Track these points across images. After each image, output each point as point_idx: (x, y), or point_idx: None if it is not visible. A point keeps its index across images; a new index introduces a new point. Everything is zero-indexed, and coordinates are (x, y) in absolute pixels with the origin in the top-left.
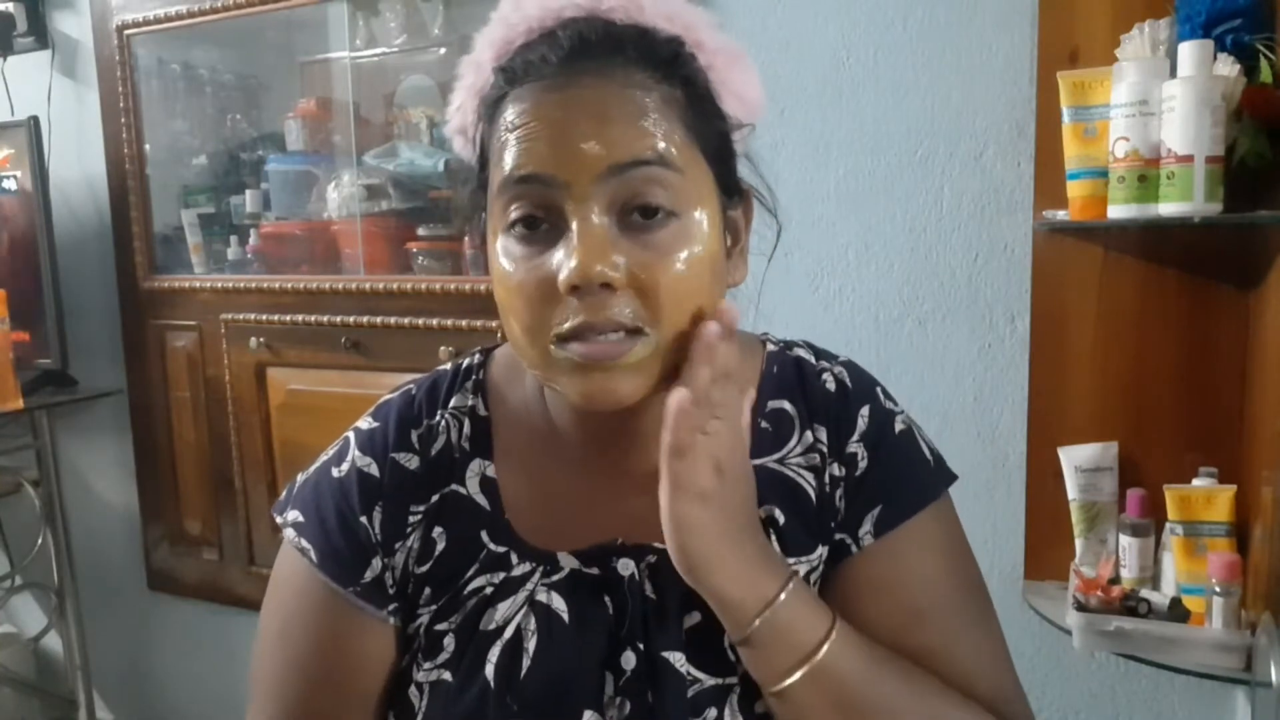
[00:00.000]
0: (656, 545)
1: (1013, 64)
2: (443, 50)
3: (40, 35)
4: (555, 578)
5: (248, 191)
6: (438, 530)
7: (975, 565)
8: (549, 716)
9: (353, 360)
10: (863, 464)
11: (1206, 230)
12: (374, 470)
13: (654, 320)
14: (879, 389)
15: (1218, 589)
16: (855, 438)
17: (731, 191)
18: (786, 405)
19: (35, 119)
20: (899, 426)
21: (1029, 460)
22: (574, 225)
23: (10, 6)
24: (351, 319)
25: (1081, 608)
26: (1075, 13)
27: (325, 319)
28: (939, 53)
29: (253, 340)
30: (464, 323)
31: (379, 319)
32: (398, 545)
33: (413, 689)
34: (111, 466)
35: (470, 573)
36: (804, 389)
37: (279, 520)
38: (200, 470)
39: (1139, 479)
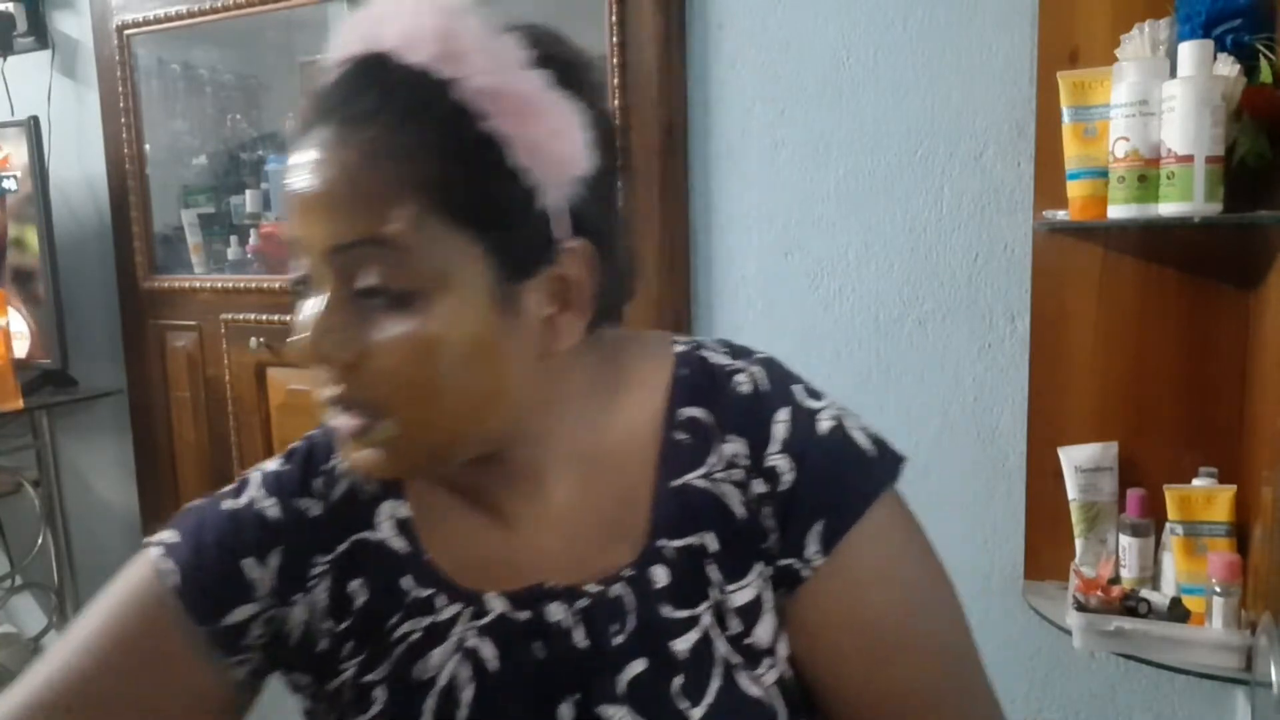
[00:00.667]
0: (589, 588)
1: (1013, 64)
2: None
3: (40, 35)
4: (484, 621)
5: (248, 191)
6: (355, 584)
7: (935, 559)
8: None
9: None
10: (788, 476)
11: (1206, 230)
12: (275, 512)
13: (389, 403)
14: (799, 386)
15: (1218, 589)
16: (776, 449)
17: (536, 258)
18: (699, 413)
19: (35, 119)
20: (825, 425)
21: (1029, 460)
22: (311, 300)
23: (10, 6)
24: None
25: (1081, 608)
26: (1075, 13)
27: None
28: (939, 53)
29: (253, 340)
30: None
31: None
32: (296, 597)
33: None
34: (111, 466)
35: (395, 619)
36: (716, 394)
37: (147, 540)
38: (200, 470)
39: (1139, 479)
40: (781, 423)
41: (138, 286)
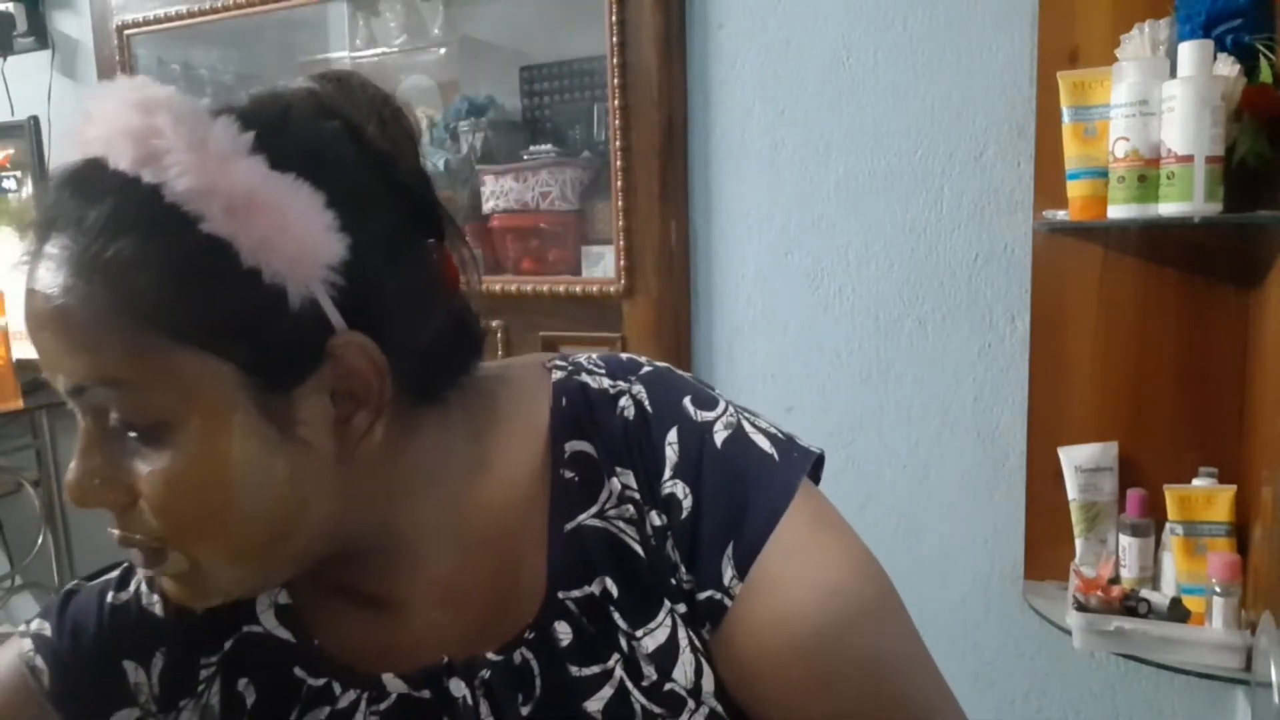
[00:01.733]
0: (490, 656)
1: (1013, 64)
2: (443, 50)
3: (40, 35)
4: (383, 705)
5: None
6: (243, 682)
7: (861, 553)
8: None
9: None
10: (687, 503)
11: (1206, 230)
12: (156, 610)
13: (169, 540)
14: (687, 399)
15: (1218, 589)
16: (668, 475)
17: (296, 364)
18: (586, 446)
19: (35, 119)
20: (720, 436)
21: (1029, 460)
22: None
23: (10, 6)
24: None
25: (1081, 608)
26: (1075, 13)
27: None
28: (939, 53)
29: None
30: None
31: None
32: (184, 703)
33: None
34: None
35: (294, 715)
36: (596, 424)
37: (16, 630)
38: None
39: (1139, 479)
40: (671, 445)
41: None
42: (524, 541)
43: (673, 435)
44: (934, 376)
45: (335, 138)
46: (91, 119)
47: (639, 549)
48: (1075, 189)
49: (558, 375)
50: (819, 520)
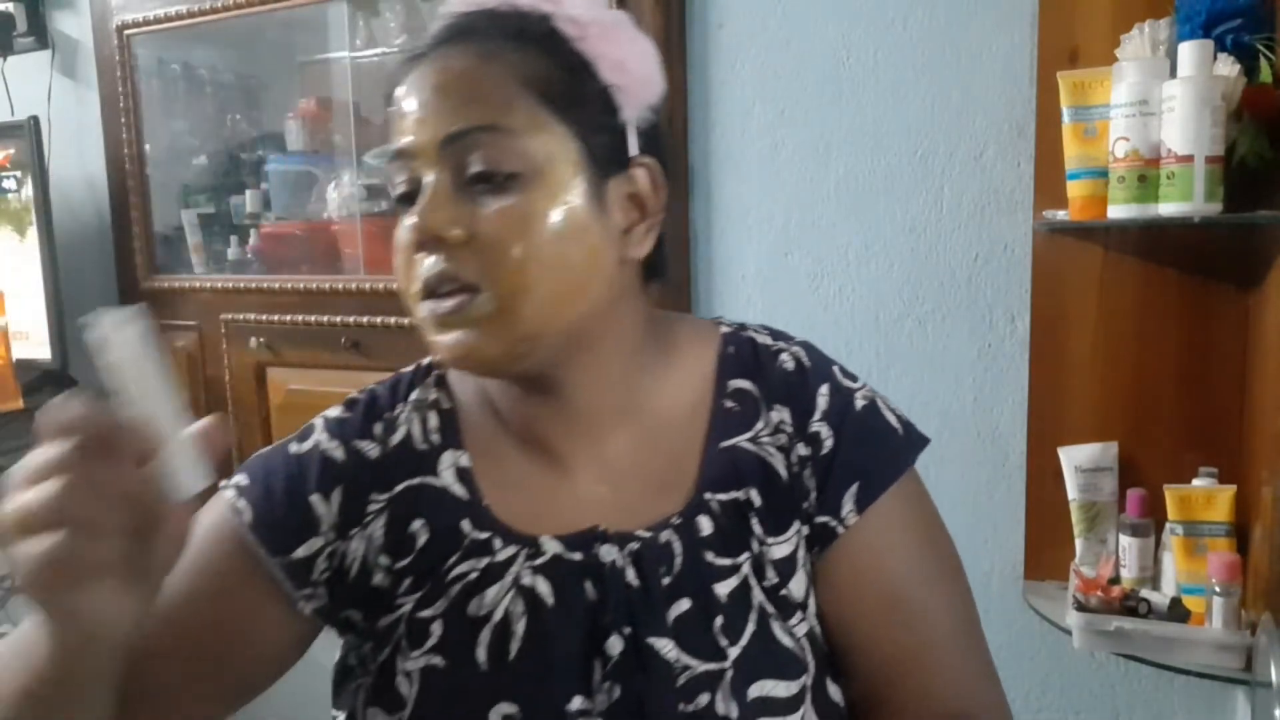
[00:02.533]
0: (639, 533)
1: (1013, 64)
2: None
3: (40, 35)
4: (538, 561)
5: (248, 191)
6: (418, 523)
7: (947, 534)
8: (539, 699)
9: (353, 360)
10: (828, 443)
11: (1206, 230)
12: (339, 454)
13: (490, 276)
14: (836, 368)
15: (1218, 589)
16: (817, 417)
17: (617, 162)
18: (747, 385)
19: (35, 119)
20: (860, 403)
21: (1029, 460)
22: (422, 188)
23: (10, 6)
24: (351, 319)
25: (1081, 608)
26: (1075, 13)
27: (325, 319)
28: (939, 53)
29: (253, 340)
30: None
31: (379, 319)
32: (354, 531)
33: (400, 679)
34: None
35: (453, 560)
36: (761, 369)
37: (220, 484)
38: None
39: (1139, 479)
40: (823, 396)
41: (138, 286)
42: (683, 446)
43: (824, 389)
44: (934, 376)
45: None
46: None
47: (783, 472)
48: (1075, 189)
49: (725, 329)
50: (922, 493)
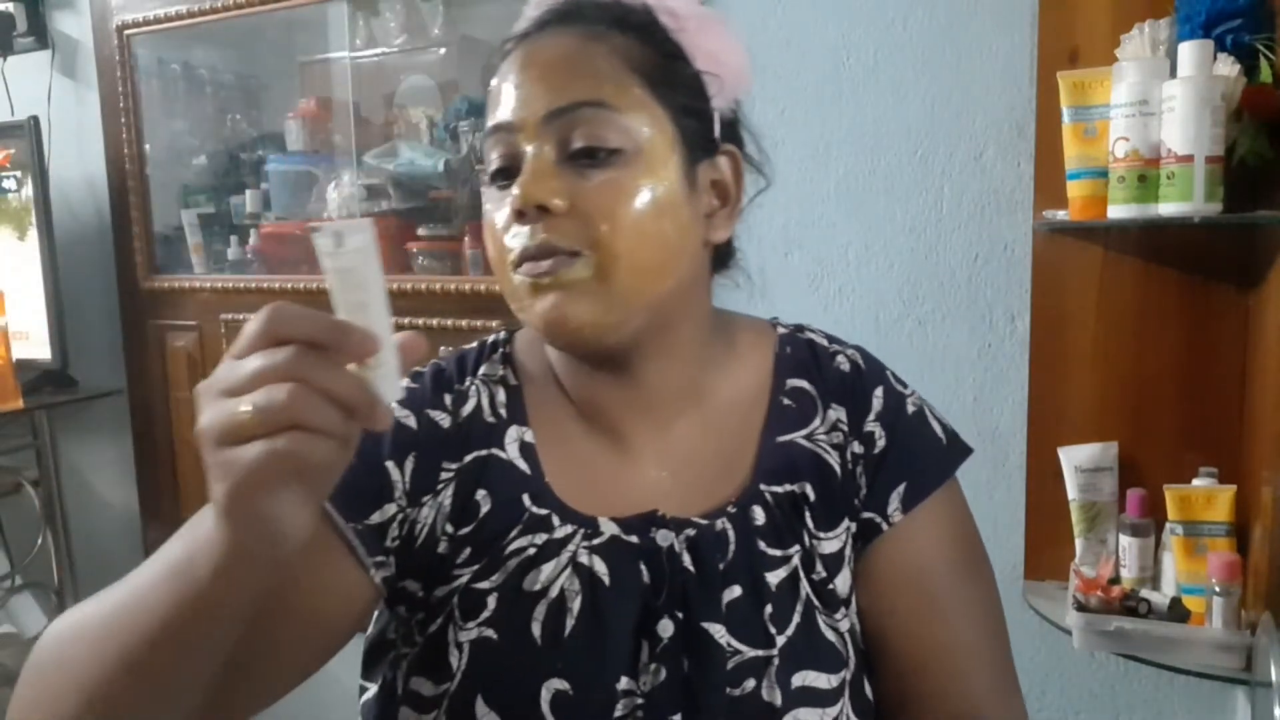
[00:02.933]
0: (696, 519)
1: (1013, 64)
2: (443, 50)
3: (40, 35)
4: (596, 541)
5: (248, 191)
6: (481, 493)
7: (979, 540)
8: (588, 678)
9: None
10: (881, 443)
11: (1206, 230)
12: (411, 422)
13: (590, 243)
14: (889, 372)
15: (1218, 589)
16: (872, 417)
17: (705, 148)
18: (804, 384)
19: (35, 119)
20: (910, 408)
21: (1029, 460)
22: (524, 161)
23: (10, 6)
24: None
25: (1081, 608)
26: (1075, 13)
27: None
28: (939, 53)
29: None
30: (464, 322)
31: None
32: (425, 499)
33: (451, 650)
34: (111, 466)
35: (513, 534)
36: (819, 369)
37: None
38: (200, 470)
39: (1139, 479)
40: (878, 397)
41: (138, 286)
42: (740, 438)
43: (879, 391)
44: (934, 376)
45: None
46: None
47: (838, 469)
48: (1075, 189)
49: (782, 331)
50: (963, 502)
